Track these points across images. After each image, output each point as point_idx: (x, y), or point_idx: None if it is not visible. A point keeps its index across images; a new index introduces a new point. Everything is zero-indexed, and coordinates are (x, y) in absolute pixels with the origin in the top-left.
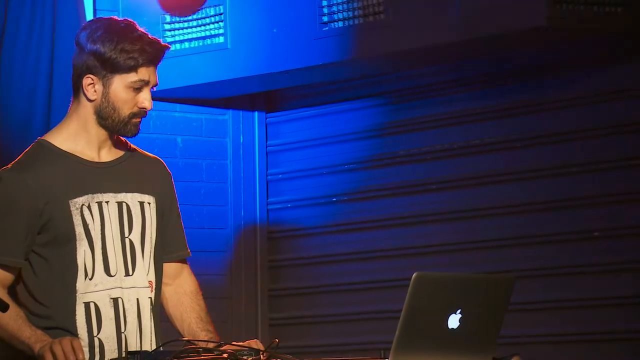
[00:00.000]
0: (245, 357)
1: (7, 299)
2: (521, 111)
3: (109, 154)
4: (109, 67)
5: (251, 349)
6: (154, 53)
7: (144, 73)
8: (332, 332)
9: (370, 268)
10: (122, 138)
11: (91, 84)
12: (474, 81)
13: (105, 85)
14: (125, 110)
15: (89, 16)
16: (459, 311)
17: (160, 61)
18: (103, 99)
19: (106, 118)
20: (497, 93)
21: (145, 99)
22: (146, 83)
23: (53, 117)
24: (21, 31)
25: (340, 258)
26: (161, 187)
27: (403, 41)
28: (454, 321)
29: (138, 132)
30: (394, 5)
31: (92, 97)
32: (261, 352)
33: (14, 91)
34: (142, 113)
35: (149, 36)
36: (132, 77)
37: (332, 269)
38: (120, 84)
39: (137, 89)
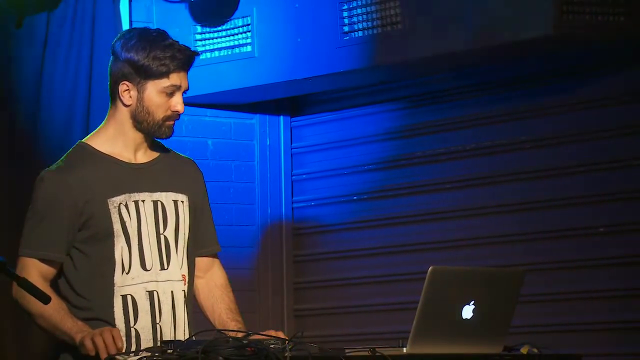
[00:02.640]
0: (272, 346)
1: (49, 291)
2: (530, 115)
3: (144, 156)
4: (142, 74)
5: (277, 338)
6: (184, 59)
7: (175, 78)
8: (353, 322)
9: (389, 262)
10: (157, 140)
11: (126, 90)
12: (486, 87)
13: (140, 91)
14: (159, 114)
15: (125, 27)
16: (472, 303)
17: (190, 67)
18: (138, 104)
19: (141, 122)
20: (507, 97)
21: (177, 102)
22: (178, 88)
23: (92, 122)
24: (62, 42)
25: (360, 253)
26: (193, 187)
27: (419, 49)
28: (467, 312)
29: (172, 134)
30: (410, 15)
31: (127, 102)
32: (287, 342)
33: (55, 98)
34: (175, 116)
35: (180, 44)
36: (164, 82)
37: (353, 263)
38: (153, 89)
39: (170, 94)
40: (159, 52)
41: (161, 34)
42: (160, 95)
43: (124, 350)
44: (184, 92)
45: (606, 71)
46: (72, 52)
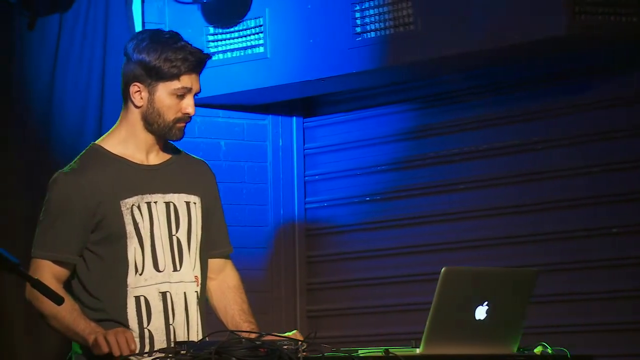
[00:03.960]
0: (285, 347)
1: (62, 293)
2: (542, 115)
3: (157, 157)
4: (153, 75)
5: (291, 339)
6: (195, 62)
7: (186, 80)
8: (366, 323)
9: (402, 263)
10: (169, 142)
11: (138, 91)
12: (498, 87)
13: (151, 93)
14: (170, 116)
15: (138, 28)
16: (485, 303)
17: (202, 69)
18: (149, 105)
19: (152, 123)
20: (520, 98)
21: (188, 105)
22: (189, 90)
23: (104, 123)
24: (75, 43)
25: (373, 253)
26: (206, 188)
27: (431, 50)
28: (481, 313)
29: (183, 136)
30: (422, 16)
31: (138, 104)
32: (300, 342)
33: (68, 99)
34: (186, 118)
35: (192, 46)
36: (175, 84)
37: (366, 263)
38: (164, 91)
39: (181, 96)
40: (171, 54)
41: (174, 36)
42: (171, 97)
43: (137, 352)
44: (196, 94)
45: (618, 71)
46: (84, 53)
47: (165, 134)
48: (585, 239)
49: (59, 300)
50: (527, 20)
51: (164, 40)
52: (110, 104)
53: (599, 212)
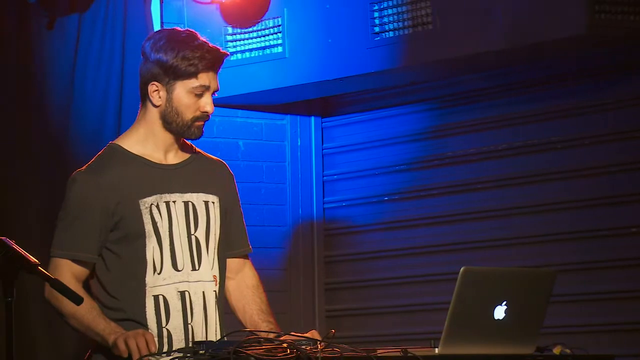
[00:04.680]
0: (303, 347)
1: (82, 292)
2: (562, 115)
3: (175, 157)
4: (171, 74)
5: (309, 338)
6: (212, 60)
7: (204, 79)
8: (385, 323)
9: (420, 263)
10: (188, 141)
11: (156, 90)
12: (517, 86)
13: (169, 91)
14: (188, 115)
15: (157, 28)
16: (504, 303)
17: (219, 68)
18: (167, 104)
19: (171, 122)
20: (539, 98)
21: (206, 103)
22: (207, 88)
23: (123, 123)
24: (94, 43)
25: (391, 253)
26: (224, 188)
27: (450, 49)
28: (499, 312)
29: (201, 134)
30: (441, 15)
31: (157, 103)
32: (318, 342)
33: (87, 99)
34: (205, 117)
35: (209, 44)
36: (192, 82)
37: (384, 263)
38: (182, 89)
39: (199, 95)
40: (188, 52)
41: (191, 35)
42: (189, 96)
43: (156, 352)
44: (214, 92)
45: (638, 71)
46: (103, 53)
47: (183, 133)
48: (603, 238)
49: (78, 300)
50: (546, 19)
51: (181, 39)
52: (129, 103)
53: (618, 212)
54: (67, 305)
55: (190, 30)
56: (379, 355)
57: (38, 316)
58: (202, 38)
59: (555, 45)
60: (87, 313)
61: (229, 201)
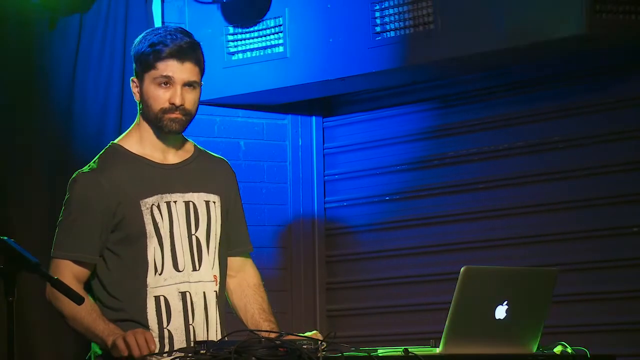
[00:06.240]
0: (304, 347)
1: (82, 293)
2: (563, 114)
3: (176, 156)
4: (140, 66)
5: (310, 338)
6: (172, 47)
7: (163, 68)
8: (385, 322)
9: (421, 262)
10: (189, 140)
11: (135, 86)
12: (518, 86)
13: (140, 85)
14: (156, 106)
15: None
16: (505, 303)
17: (186, 57)
18: (142, 98)
19: (146, 116)
20: (540, 97)
21: (173, 95)
22: (169, 78)
23: (124, 123)
24: (95, 43)
25: (392, 253)
26: (226, 187)
27: (451, 49)
28: (500, 312)
29: (180, 128)
30: (442, 15)
31: (137, 99)
32: (319, 342)
33: (88, 99)
34: (173, 109)
35: (180, 34)
36: (153, 73)
37: (385, 263)
38: (148, 81)
39: (165, 85)
40: (154, 38)
41: (167, 27)
42: (154, 87)
43: (157, 352)
44: (188, 84)
45: (638, 71)
46: (105, 53)
47: (158, 126)
48: (604, 238)
49: (79, 300)
50: (547, 19)
51: (153, 31)
52: (130, 103)
53: (620, 212)
54: (67, 306)
55: (180, 27)
56: (379, 355)
57: (38, 316)
58: (182, 30)
59: (555, 45)
60: (87, 315)
61: (230, 200)
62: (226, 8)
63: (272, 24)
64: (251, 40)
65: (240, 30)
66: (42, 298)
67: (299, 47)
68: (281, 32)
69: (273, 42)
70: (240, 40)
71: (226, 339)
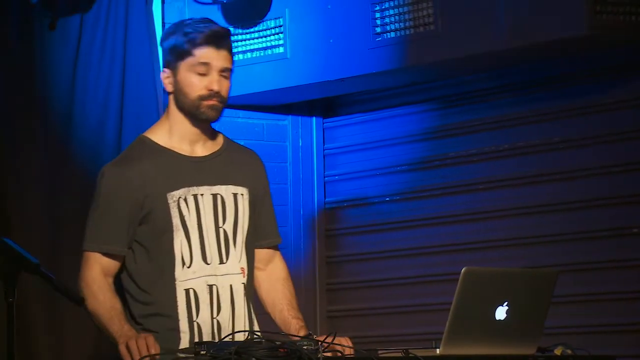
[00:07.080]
0: (305, 347)
1: (107, 288)
2: (563, 115)
3: (203, 149)
4: (174, 56)
5: (310, 339)
6: (209, 34)
7: (201, 54)
8: (386, 323)
9: (422, 263)
10: (218, 131)
11: (167, 77)
12: (518, 87)
13: (175, 75)
14: (194, 93)
15: (158, 29)
16: (505, 303)
17: (222, 44)
18: (176, 88)
19: (182, 106)
20: (540, 98)
21: (212, 81)
22: (207, 65)
23: (125, 123)
24: (95, 43)
25: (393, 254)
26: (254, 179)
27: (451, 50)
28: (501, 313)
29: (218, 115)
30: (443, 16)
31: (169, 90)
32: (320, 342)
33: (88, 99)
34: (213, 95)
35: (212, 23)
36: (191, 60)
37: (386, 264)
38: (184, 69)
39: (202, 73)
40: (188, 28)
41: (195, 18)
42: (192, 75)
43: (158, 355)
44: (222, 71)
45: (639, 71)
46: (105, 53)
47: (195, 115)
48: (605, 239)
49: (79, 301)
50: (548, 19)
51: (184, 21)
52: (130, 103)
53: (620, 213)
54: (91, 302)
55: (205, 17)
56: (380, 355)
57: (38, 316)
58: (211, 20)
59: (556, 46)
60: (106, 312)
61: (258, 192)
62: (226, 9)
63: (273, 25)
64: (251, 41)
65: (240, 30)
66: (42, 298)
67: (299, 47)
68: (281, 32)
69: (273, 43)
70: (241, 40)
71: (227, 339)
